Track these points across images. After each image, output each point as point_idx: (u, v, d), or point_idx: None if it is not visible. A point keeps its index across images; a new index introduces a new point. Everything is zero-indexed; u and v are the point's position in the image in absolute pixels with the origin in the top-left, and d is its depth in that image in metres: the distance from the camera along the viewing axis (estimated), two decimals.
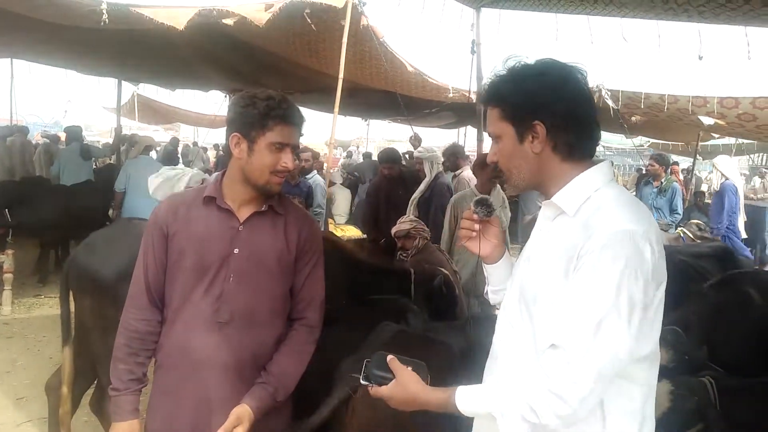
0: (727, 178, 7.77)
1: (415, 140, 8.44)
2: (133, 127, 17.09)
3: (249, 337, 1.91)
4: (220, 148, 20.27)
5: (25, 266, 7.34)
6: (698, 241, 6.13)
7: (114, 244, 3.06)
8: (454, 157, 6.36)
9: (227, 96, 12.37)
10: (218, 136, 23.20)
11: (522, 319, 1.48)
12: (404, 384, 1.47)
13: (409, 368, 1.51)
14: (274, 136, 1.85)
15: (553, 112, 1.43)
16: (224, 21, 5.00)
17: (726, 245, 5.47)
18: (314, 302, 2.05)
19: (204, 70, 8.51)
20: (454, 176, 6.19)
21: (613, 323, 1.28)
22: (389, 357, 1.52)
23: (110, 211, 7.70)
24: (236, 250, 1.89)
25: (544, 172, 1.49)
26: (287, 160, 1.88)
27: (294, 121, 1.89)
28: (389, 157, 6.23)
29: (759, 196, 16.11)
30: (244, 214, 1.93)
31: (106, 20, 4.75)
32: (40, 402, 4.09)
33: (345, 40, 5.28)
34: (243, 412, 1.84)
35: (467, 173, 5.90)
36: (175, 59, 7.70)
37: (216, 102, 13.31)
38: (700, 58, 4.00)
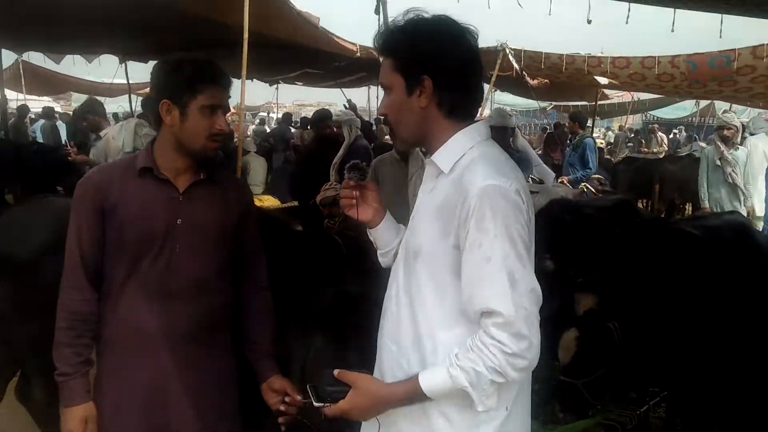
0: None
1: (350, 106, 8.43)
2: (20, 98, 15.84)
3: (199, 304, 1.93)
4: (121, 116, 19.28)
5: None
6: (599, 195, 6.53)
7: (29, 224, 2.92)
8: (92, 115, 6.17)
9: (122, 63, 11.74)
10: (114, 105, 22.16)
11: (406, 275, 1.58)
12: (365, 391, 1.48)
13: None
14: (206, 99, 1.83)
15: (441, 69, 1.49)
16: None
17: (625, 198, 5.88)
18: (261, 263, 2.11)
19: (93, 32, 7.92)
20: (97, 137, 6.01)
21: (521, 271, 1.42)
22: (336, 371, 1.50)
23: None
24: (179, 221, 1.88)
25: (427, 127, 1.55)
26: (221, 123, 1.87)
27: (224, 83, 1.89)
28: (321, 116, 6.29)
29: (654, 150, 17.30)
30: (182, 183, 1.91)
31: None
32: None
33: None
34: (282, 382, 2.02)
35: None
36: (61, 23, 7.16)
37: (112, 68, 12.65)
38: (589, 22, 4.29)
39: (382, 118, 1.67)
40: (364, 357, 2.11)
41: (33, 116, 16.22)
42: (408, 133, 1.59)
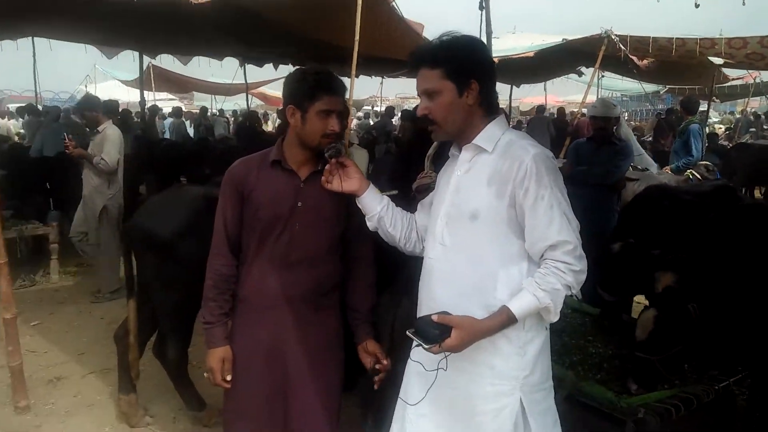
0: None
1: None
2: (150, 97, 17.36)
3: (313, 272, 2.31)
4: (239, 114, 20.60)
5: (64, 237, 7.72)
6: (703, 181, 6.32)
7: (169, 208, 3.45)
8: (89, 111, 6.03)
9: (241, 65, 12.65)
10: (231, 103, 23.58)
11: (456, 237, 1.93)
12: (468, 327, 1.79)
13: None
14: (322, 105, 2.18)
15: (483, 74, 1.91)
16: None
17: (727, 183, 5.69)
18: (369, 243, 2.43)
19: (220, 40, 8.76)
20: (95, 132, 5.94)
21: (570, 213, 1.86)
22: (434, 316, 1.79)
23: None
24: (300, 203, 2.26)
25: (469, 121, 1.93)
26: (334, 125, 2.21)
27: (337, 91, 2.23)
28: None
29: None
30: (303, 173, 2.28)
31: None
32: (101, 356, 4.60)
33: (359, 2, 5.44)
34: (374, 346, 2.37)
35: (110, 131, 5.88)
36: (192, 31, 7.94)
37: (232, 70, 13.63)
38: (697, 5, 4.18)
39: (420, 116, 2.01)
40: None
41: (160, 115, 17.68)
42: (455, 127, 1.94)
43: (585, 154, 5.41)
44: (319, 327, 2.36)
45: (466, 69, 1.88)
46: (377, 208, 2.19)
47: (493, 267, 1.89)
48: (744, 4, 4.34)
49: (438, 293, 1.96)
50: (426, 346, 1.76)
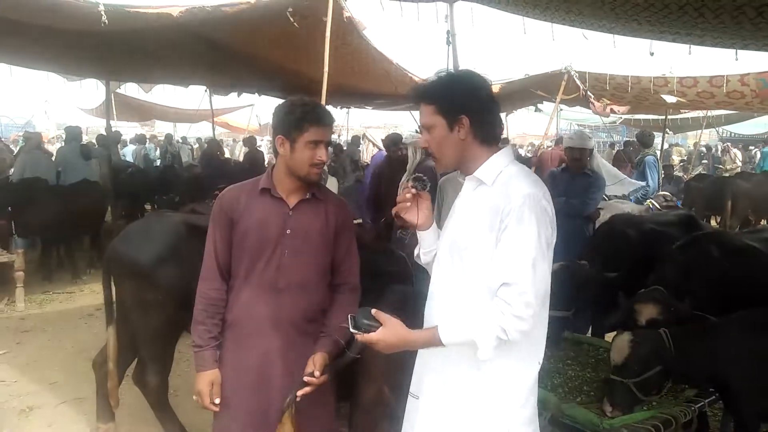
0: (380, 149, 9.29)
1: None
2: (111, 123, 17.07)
3: (301, 299, 2.34)
4: (204, 141, 20.45)
5: (29, 265, 7.51)
6: (665, 210, 6.58)
7: (149, 234, 3.43)
8: None
9: (207, 90, 12.63)
10: (195, 130, 23.42)
11: (453, 265, 1.95)
12: (393, 328, 1.85)
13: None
14: (310, 136, 2.25)
15: (473, 109, 1.93)
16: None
17: (689, 213, 5.94)
18: (354, 269, 2.48)
19: (186, 68, 8.73)
20: None
21: (540, 261, 1.82)
22: (373, 310, 1.86)
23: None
24: (288, 231, 2.31)
25: (466, 153, 1.96)
26: (321, 154, 2.28)
27: (325, 122, 2.29)
28: (394, 140, 6.65)
29: (728, 167, 16.71)
30: (292, 201, 2.34)
31: (106, 21, 4.99)
32: (72, 385, 4.50)
33: (328, 34, 5.53)
34: (316, 356, 2.29)
35: None
36: (159, 59, 7.85)
37: (197, 97, 13.57)
38: (651, 54, 4.50)
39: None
40: None
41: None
42: (450, 159, 2.00)
43: (561, 184, 5.57)
44: (306, 353, 2.36)
45: (456, 105, 1.92)
46: (435, 245, 2.13)
47: (484, 298, 1.88)
48: (690, 53, 4.70)
49: (435, 319, 1.99)
50: (351, 330, 1.85)
